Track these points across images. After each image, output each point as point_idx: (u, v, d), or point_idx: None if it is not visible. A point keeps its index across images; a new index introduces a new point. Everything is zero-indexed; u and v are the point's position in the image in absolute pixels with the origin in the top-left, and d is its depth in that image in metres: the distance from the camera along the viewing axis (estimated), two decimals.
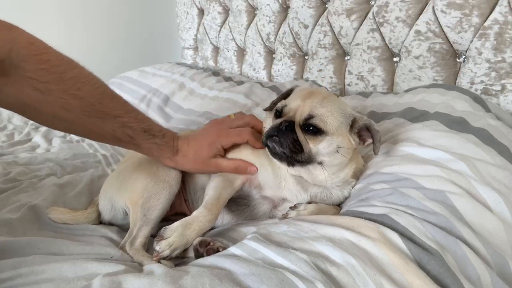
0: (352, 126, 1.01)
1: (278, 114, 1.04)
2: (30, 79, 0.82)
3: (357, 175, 1.08)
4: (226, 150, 1.09)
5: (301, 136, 0.97)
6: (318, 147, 0.97)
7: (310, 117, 0.97)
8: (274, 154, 0.99)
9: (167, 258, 0.88)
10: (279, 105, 1.06)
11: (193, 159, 1.06)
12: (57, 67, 0.85)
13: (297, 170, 1.02)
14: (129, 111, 0.97)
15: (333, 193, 1.06)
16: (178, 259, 0.94)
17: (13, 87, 0.83)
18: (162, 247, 0.87)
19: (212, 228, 1.02)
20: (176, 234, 0.88)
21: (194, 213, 0.93)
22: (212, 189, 1.00)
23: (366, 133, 1.02)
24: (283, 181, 1.05)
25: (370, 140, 1.02)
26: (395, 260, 0.74)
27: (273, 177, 1.05)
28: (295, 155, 0.96)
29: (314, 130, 0.97)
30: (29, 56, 0.81)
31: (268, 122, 1.07)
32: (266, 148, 1.01)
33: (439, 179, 0.93)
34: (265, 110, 1.16)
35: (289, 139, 0.95)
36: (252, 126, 1.12)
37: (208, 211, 0.93)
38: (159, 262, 0.87)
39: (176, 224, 0.89)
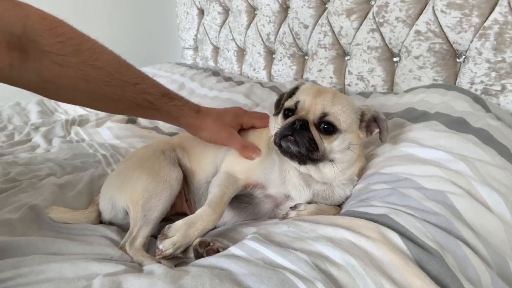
0: (361, 120, 1.03)
1: (288, 113, 1.04)
2: (48, 53, 0.83)
3: (360, 174, 1.10)
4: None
5: (316, 134, 0.97)
6: (332, 145, 0.99)
7: (324, 115, 0.98)
8: (288, 153, 0.99)
9: (170, 256, 0.88)
10: (288, 103, 1.06)
11: (215, 119, 1.12)
12: (73, 39, 0.86)
13: (307, 168, 1.02)
14: (146, 78, 1.01)
15: (335, 191, 1.06)
16: (178, 259, 0.94)
17: (33, 63, 0.83)
18: (165, 245, 0.87)
19: (212, 228, 1.02)
20: (179, 233, 0.88)
21: (198, 212, 0.93)
22: (217, 187, 1.00)
23: (373, 123, 1.05)
24: (288, 175, 1.05)
25: (377, 130, 1.05)
26: (395, 260, 0.74)
27: (278, 173, 1.05)
28: (310, 153, 0.97)
29: (328, 128, 0.98)
30: (43, 30, 0.82)
31: (276, 123, 1.07)
32: (278, 148, 1.01)
33: (439, 179, 0.93)
34: (275, 115, 1.15)
35: (305, 138, 0.96)
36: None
37: (212, 210, 0.93)
38: (159, 262, 0.87)
39: (179, 222, 0.90)
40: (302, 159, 0.99)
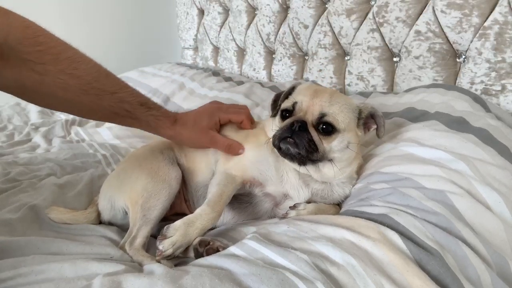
0: (358, 118, 1.04)
1: (285, 114, 1.04)
2: (28, 61, 0.84)
3: (359, 172, 1.10)
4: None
5: (315, 135, 0.97)
6: (331, 145, 0.99)
7: (323, 115, 0.98)
8: (287, 155, 0.99)
9: (170, 257, 0.88)
10: (286, 104, 1.05)
11: (192, 127, 1.10)
12: (53, 48, 0.87)
13: (307, 168, 1.02)
14: (124, 87, 1.01)
15: (334, 190, 1.06)
16: (178, 259, 0.94)
17: (12, 70, 0.84)
18: (165, 246, 0.86)
19: (212, 228, 1.02)
20: (179, 233, 0.88)
21: (197, 211, 0.93)
22: (215, 186, 1.00)
23: (370, 120, 1.06)
24: (285, 175, 1.05)
25: (374, 127, 1.06)
26: (395, 260, 0.74)
27: (275, 172, 1.05)
28: (310, 155, 0.97)
29: (327, 128, 0.98)
30: (25, 39, 0.83)
31: (274, 124, 1.07)
32: (277, 150, 1.01)
33: (439, 179, 0.93)
34: (272, 116, 1.14)
35: (305, 140, 0.96)
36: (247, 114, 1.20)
37: (211, 208, 0.93)
38: (159, 262, 0.87)
39: (178, 222, 0.89)
40: (302, 160, 0.99)
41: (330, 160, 1.01)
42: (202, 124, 1.11)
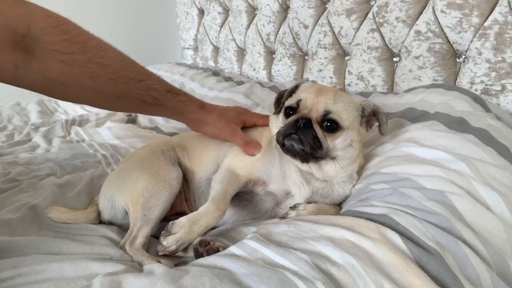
0: (361, 116, 1.05)
1: (289, 111, 1.04)
2: (54, 51, 0.82)
3: (360, 173, 1.10)
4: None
5: (319, 132, 0.98)
6: (335, 142, 0.99)
7: (327, 113, 0.99)
8: (291, 151, 0.99)
9: (173, 253, 0.88)
10: (290, 101, 1.06)
11: (218, 116, 1.12)
12: (78, 36, 0.86)
13: (309, 166, 1.02)
14: (150, 74, 1.01)
15: (335, 189, 1.06)
16: (178, 259, 0.95)
17: (39, 63, 0.82)
18: (169, 242, 0.87)
19: (212, 228, 1.02)
20: (183, 230, 0.88)
21: (202, 208, 0.93)
22: (219, 183, 1.00)
23: (372, 118, 1.07)
24: (288, 171, 1.05)
25: (376, 124, 1.07)
26: (395, 260, 0.74)
27: (279, 169, 1.05)
28: (314, 151, 0.97)
29: (331, 126, 0.99)
30: (48, 28, 0.81)
31: (278, 121, 1.07)
32: (281, 147, 1.01)
33: (439, 179, 0.93)
34: (275, 114, 1.15)
35: (309, 136, 0.96)
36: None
37: (216, 206, 0.93)
38: (159, 261, 0.87)
39: (183, 219, 0.90)
40: (305, 157, 0.99)
41: (333, 158, 1.01)
42: (229, 116, 1.14)
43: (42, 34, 0.80)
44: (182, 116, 1.11)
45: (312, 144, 0.96)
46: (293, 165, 1.05)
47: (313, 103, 1.00)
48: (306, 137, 0.96)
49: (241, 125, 1.17)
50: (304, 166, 1.02)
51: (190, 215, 0.91)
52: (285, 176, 1.05)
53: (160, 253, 0.88)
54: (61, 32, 0.82)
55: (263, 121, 1.19)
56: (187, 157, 1.19)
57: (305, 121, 0.97)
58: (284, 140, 0.98)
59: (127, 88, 0.94)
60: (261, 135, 1.14)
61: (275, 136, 1.02)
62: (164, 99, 1.03)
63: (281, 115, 1.07)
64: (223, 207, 0.94)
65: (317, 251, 0.77)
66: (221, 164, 1.11)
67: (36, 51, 0.80)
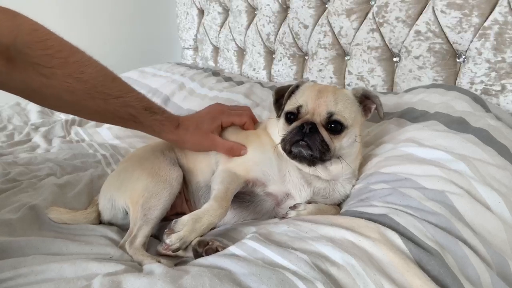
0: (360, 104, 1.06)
1: (290, 116, 1.04)
2: (36, 64, 0.84)
3: (360, 168, 1.11)
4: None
5: (326, 135, 0.98)
6: (341, 142, 1.00)
7: (331, 114, 0.99)
8: (298, 157, 0.99)
9: (176, 251, 0.89)
10: (290, 107, 1.05)
11: (194, 130, 1.11)
12: (61, 52, 0.87)
13: (316, 168, 1.02)
14: (130, 91, 1.01)
15: (336, 189, 1.06)
16: (178, 259, 0.95)
17: (20, 73, 0.84)
18: (172, 240, 0.87)
19: (212, 228, 1.02)
20: (186, 228, 0.88)
21: (205, 206, 0.93)
22: (219, 183, 1.00)
23: (367, 101, 1.07)
24: (288, 175, 1.05)
25: (374, 106, 1.07)
26: (395, 260, 0.74)
27: (278, 172, 1.05)
28: (323, 155, 0.97)
29: (335, 127, 0.99)
30: (33, 42, 0.83)
31: (279, 127, 1.06)
32: (287, 154, 1.01)
33: (439, 179, 0.93)
34: (278, 117, 1.12)
35: (317, 141, 0.96)
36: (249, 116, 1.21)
37: (218, 204, 0.93)
38: (159, 261, 0.87)
39: (186, 217, 0.90)
40: (313, 161, 0.99)
41: (339, 157, 1.02)
42: (203, 128, 1.12)
43: (26, 47, 0.82)
44: (159, 135, 1.10)
45: (321, 148, 0.96)
46: (293, 169, 1.04)
47: (314, 107, 1.00)
48: (314, 142, 0.96)
49: (219, 129, 1.15)
50: (312, 170, 1.02)
51: (192, 213, 0.91)
52: (284, 180, 1.05)
53: (163, 251, 0.89)
54: (44, 46, 0.84)
55: (240, 120, 1.17)
56: (186, 157, 1.18)
57: (310, 126, 0.96)
58: (291, 148, 0.98)
59: (104, 103, 0.95)
60: (260, 139, 1.12)
61: (280, 145, 1.01)
62: (141, 116, 1.03)
63: (282, 120, 1.07)
64: (225, 205, 0.94)
65: (317, 251, 0.77)
66: (218, 167, 1.11)
67: (18, 62, 0.83)
